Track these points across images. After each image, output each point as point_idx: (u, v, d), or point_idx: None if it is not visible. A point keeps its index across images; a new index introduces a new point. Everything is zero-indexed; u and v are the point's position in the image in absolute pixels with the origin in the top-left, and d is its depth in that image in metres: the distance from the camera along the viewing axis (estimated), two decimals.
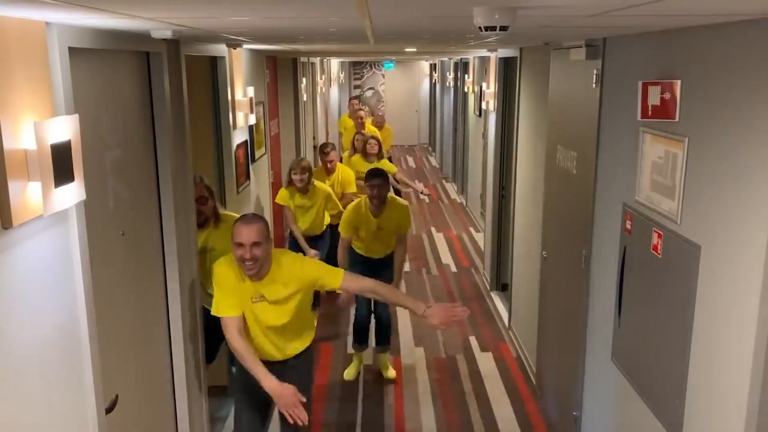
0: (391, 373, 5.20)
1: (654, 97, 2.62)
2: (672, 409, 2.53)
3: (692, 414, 2.40)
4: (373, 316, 5.24)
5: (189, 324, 3.48)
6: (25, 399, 1.87)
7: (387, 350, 5.27)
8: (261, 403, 3.30)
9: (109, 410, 2.43)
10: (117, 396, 2.54)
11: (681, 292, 2.45)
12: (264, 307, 3.11)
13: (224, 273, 3.10)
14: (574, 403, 3.82)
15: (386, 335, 5.23)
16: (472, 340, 5.89)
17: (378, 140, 7.15)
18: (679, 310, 2.47)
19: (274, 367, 3.12)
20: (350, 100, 12.03)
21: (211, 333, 4.02)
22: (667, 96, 2.53)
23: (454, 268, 7.99)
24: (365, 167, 6.64)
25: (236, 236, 2.96)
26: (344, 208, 5.32)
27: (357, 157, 7.10)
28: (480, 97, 7.67)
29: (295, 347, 3.30)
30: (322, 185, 5.85)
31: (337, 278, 3.17)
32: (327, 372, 5.25)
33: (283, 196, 5.73)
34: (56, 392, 2.06)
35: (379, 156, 7.03)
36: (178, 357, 3.38)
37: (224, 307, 3.08)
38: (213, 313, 3.18)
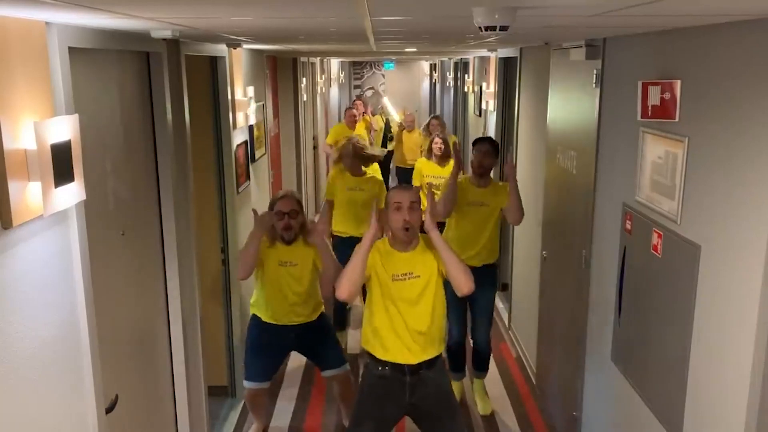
0: (488, 407, 4.60)
1: (654, 97, 2.62)
2: (672, 409, 2.52)
3: (692, 414, 2.40)
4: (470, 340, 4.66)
5: (189, 324, 3.47)
6: (24, 399, 1.87)
7: (483, 377, 4.74)
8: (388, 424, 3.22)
9: (109, 410, 2.43)
10: (117, 396, 2.54)
11: (681, 292, 2.45)
12: (406, 286, 3.00)
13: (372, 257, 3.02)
14: (574, 403, 3.82)
15: (483, 361, 4.67)
16: None
17: (445, 140, 6.33)
18: (679, 310, 2.47)
19: (406, 382, 3.06)
20: (354, 100, 11.92)
21: (265, 349, 3.94)
22: (667, 96, 2.53)
23: None
24: (433, 171, 6.12)
25: (394, 198, 2.99)
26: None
27: (423, 161, 6.33)
28: (480, 97, 7.66)
29: (430, 350, 3.10)
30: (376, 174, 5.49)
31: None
32: None
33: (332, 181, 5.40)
34: (56, 392, 2.06)
35: (447, 157, 6.12)
36: (178, 357, 3.38)
37: None
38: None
